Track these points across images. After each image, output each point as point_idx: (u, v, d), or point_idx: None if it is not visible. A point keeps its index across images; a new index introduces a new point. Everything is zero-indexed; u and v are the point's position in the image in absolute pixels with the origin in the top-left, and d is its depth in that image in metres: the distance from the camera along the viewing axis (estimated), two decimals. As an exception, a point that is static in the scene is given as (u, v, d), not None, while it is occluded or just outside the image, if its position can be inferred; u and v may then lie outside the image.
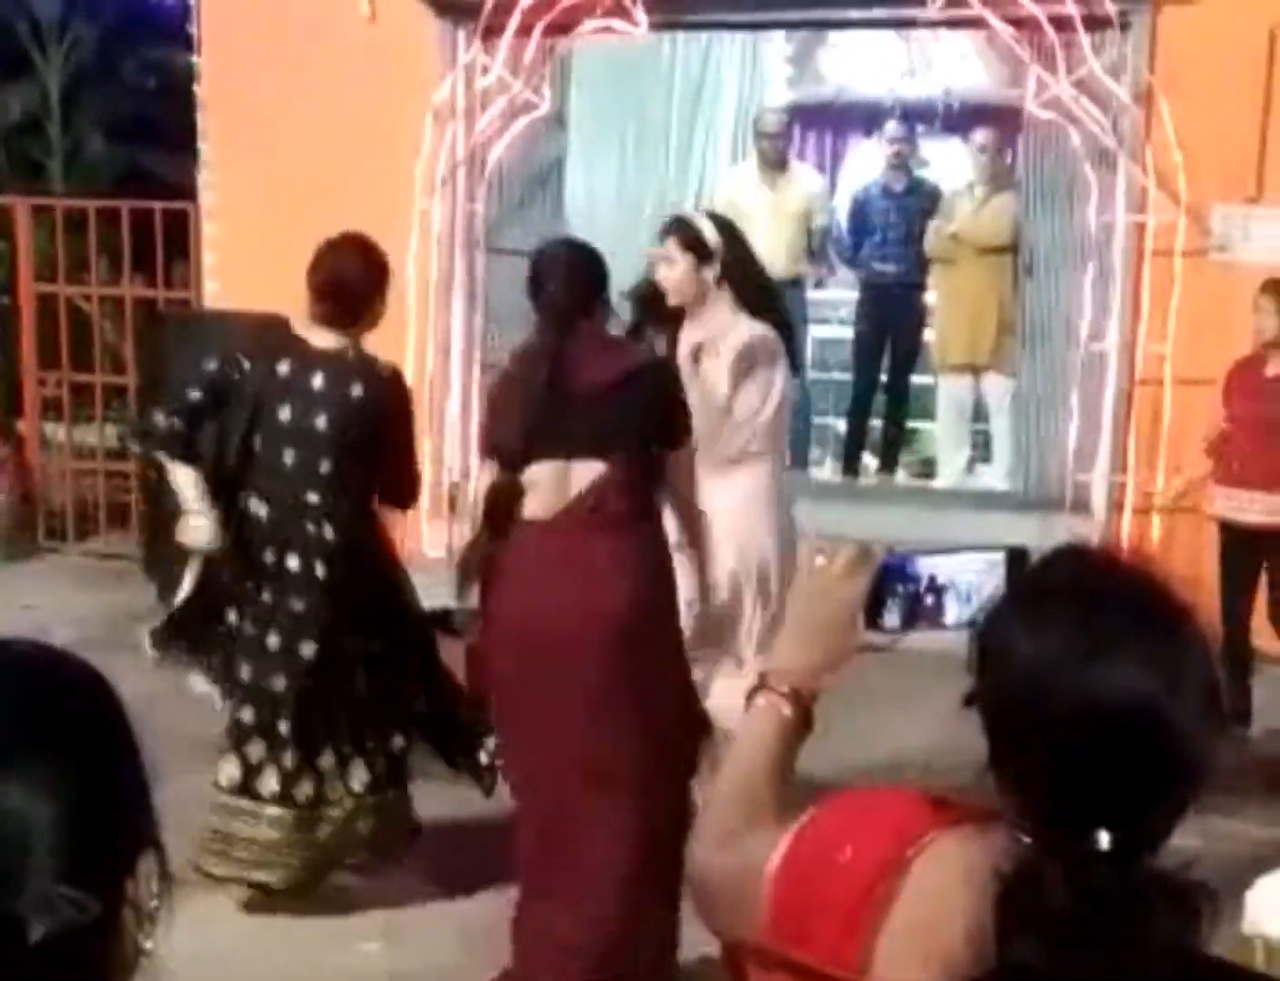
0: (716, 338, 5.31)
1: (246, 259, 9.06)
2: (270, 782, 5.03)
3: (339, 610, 5.00)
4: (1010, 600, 1.71)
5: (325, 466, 4.95)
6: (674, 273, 5.32)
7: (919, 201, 10.29)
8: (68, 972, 1.24)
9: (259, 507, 5.02)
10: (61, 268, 10.42)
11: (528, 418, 4.41)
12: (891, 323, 10.29)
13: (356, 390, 4.94)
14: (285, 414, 4.94)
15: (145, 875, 1.33)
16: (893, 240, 10.22)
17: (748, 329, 5.33)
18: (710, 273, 5.31)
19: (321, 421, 4.93)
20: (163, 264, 10.15)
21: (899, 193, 10.37)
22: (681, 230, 5.39)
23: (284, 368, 4.96)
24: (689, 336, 5.35)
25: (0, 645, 1.38)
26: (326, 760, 5.07)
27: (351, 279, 5.03)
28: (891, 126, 10.71)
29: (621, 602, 4.32)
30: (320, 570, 4.97)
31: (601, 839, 4.34)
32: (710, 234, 5.36)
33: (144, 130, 14.43)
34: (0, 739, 1.29)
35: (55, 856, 1.24)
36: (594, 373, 4.43)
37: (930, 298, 10.39)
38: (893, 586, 1.88)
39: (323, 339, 5.01)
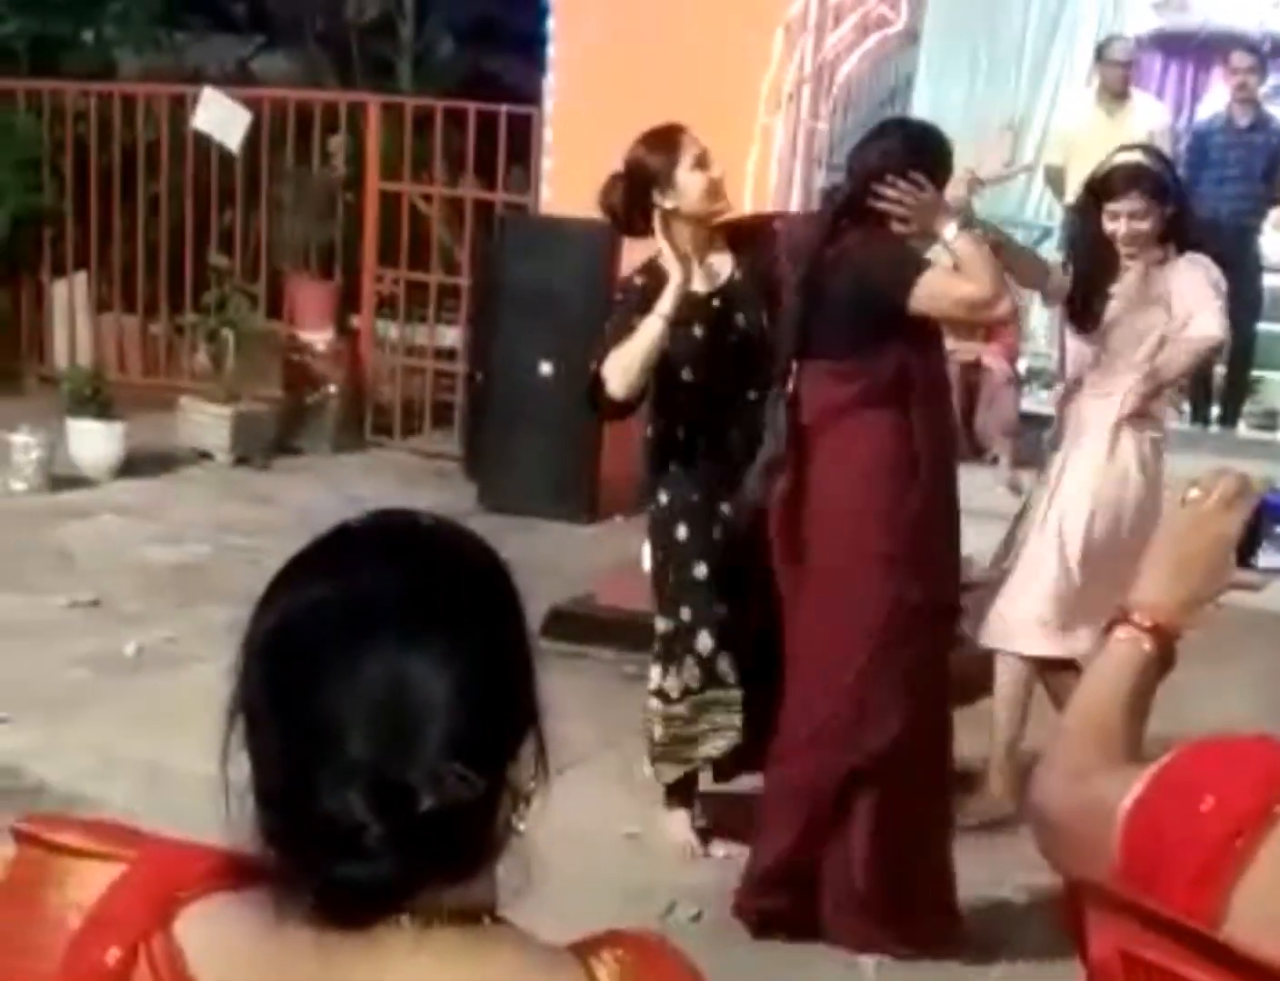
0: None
1: (584, 166, 9.01)
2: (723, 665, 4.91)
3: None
4: None
5: None
6: (1145, 225, 5.22)
7: (1264, 138, 9.79)
8: (448, 844, 1.28)
9: None
10: (406, 167, 10.59)
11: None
12: (1228, 266, 9.81)
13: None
14: None
15: (525, 758, 1.37)
16: (1232, 178, 9.73)
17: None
18: (1168, 213, 5.28)
19: None
20: (504, 167, 10.25)
21: (1243, 128, 9.85)
22: (1148, 181, 5.27)
23: None
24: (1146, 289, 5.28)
25: (408, 517, 1.42)
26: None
27: None
28: (1238, 56, 10.12)
29: None
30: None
31: None
32: (1166, 173, 5.37)
33: (492, 34, 14.58)
34: (407, 612, 1.32)
35: (449, 732, 1.28)
36: None
37: (1276, 242, 9.91)
38: (1270, 525, 1.76)
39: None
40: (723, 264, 4.93)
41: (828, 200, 4.65)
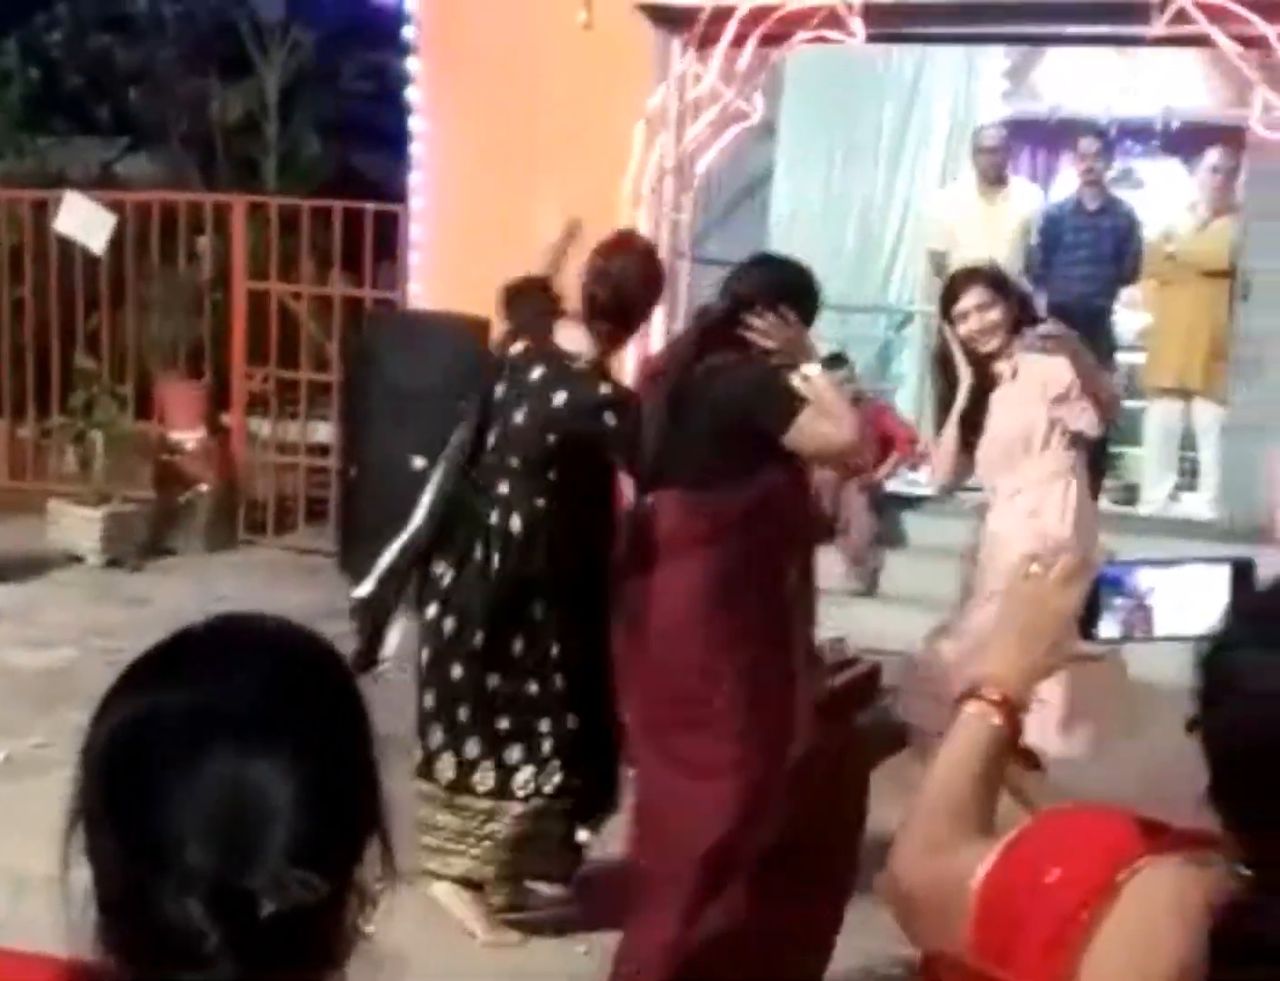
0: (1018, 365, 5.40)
1: (451, 262, 9.14)
2: (447, 770, 4.98)
3: (508, 599, 4.94)
4: (1238, 622, 1.62)
5: (515, 461, 4.93)
6: (993, 315, 5.36)
7: (1113, 221, 10.00)
8: (291, 949, 1.26)
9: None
10: (274, 266, 10.62)
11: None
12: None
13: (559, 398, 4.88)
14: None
15: (370, 859, 1.36)
16: (1082, 260, 9.92)
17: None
18: (1014, 308, 5.45)
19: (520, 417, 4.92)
20: (371, 265, 10.30)
21: (1092, 211, 10.04)
22: (985, 275, 5.48)
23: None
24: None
25: (252, 621, 1.41)
26: (512, 754, 4.98)
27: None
28: (1084, 141, 10.33)
29: None
30: (496, 560, 4.93)
31: None
32: (998, 269, 5.59)
33: (357, 132, 14.67)
34: (248, 717, 1.31)
35: (292, 836, 1.26)
36: None
37: (1126, 319, 10.16)
38: (1109, 597, 1.82)
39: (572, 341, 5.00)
40: None
41: (698, 320, 4.70)
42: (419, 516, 5.09)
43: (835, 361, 4.97)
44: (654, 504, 4.50)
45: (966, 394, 5.43)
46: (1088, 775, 5.68)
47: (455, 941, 4.98)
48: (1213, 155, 9.68)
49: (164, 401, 10.88)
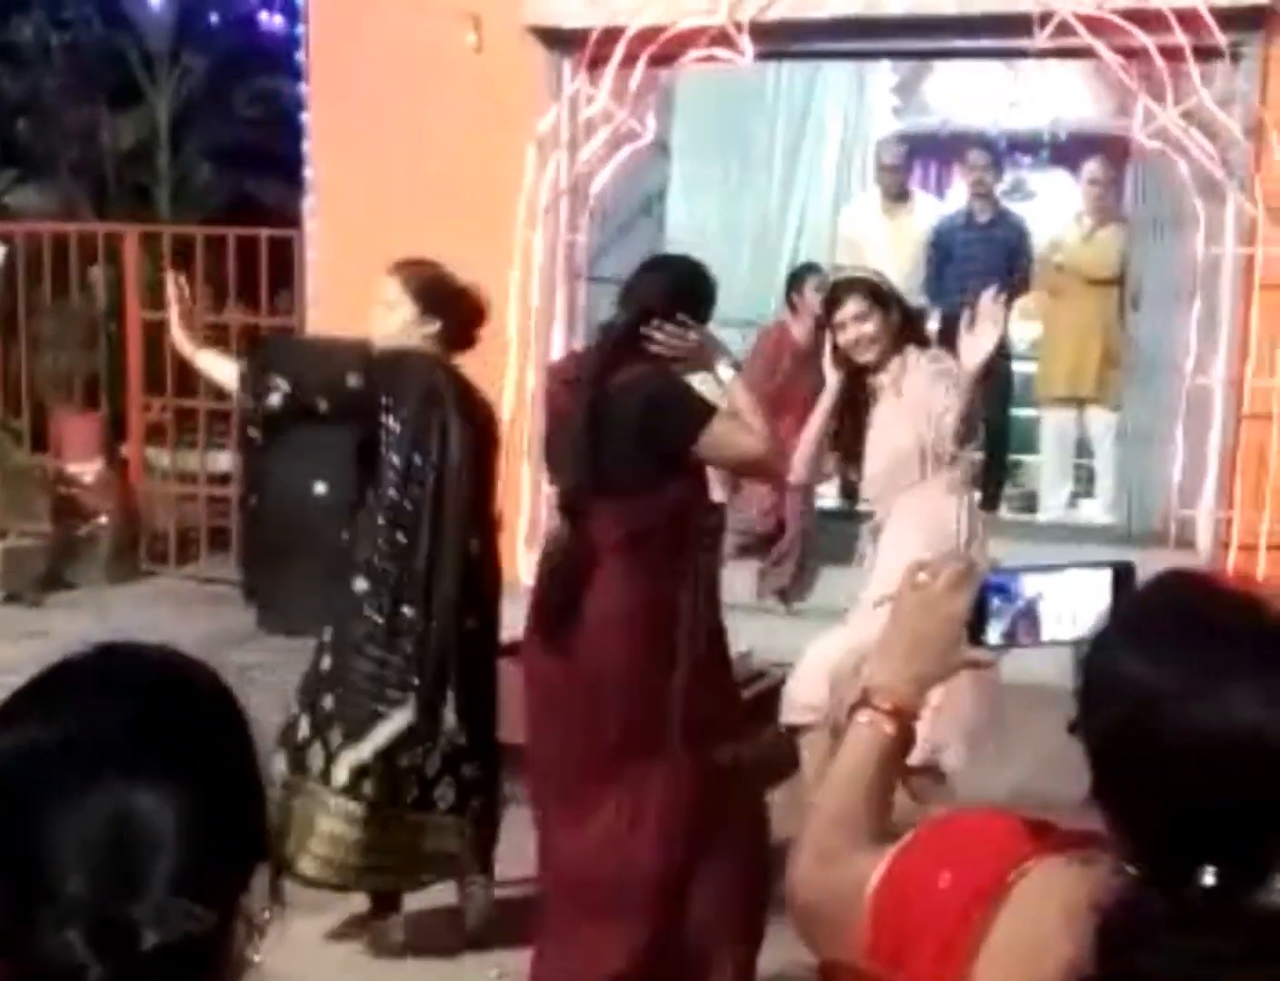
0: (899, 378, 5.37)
1: (349, 287, 9.09)
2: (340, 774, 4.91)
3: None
4: (1117, 625, 1.66)
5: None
6: (869, 327, 5.34)
7: (1003, 233, 10.12)
8: (176, 980, 1.24)
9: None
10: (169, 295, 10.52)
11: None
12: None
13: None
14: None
15: (258, 888, 1.34)
16: (974, 273, 9.95)
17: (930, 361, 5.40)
18: (896, 320, 5.39)
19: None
20: (267, 291, 10.24)
21: (983, 223, 10.16)
22: (864, 286, 5.44)
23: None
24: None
25: (132, 649, 1.39)
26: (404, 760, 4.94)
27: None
28: (974, 154, 10.42)
29: None
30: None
31: None
32: (884, 281, 5.49)
33: (251, 159, 14.60)
34: (130, 747, 1.29)
35: (176, 866, 1.24)
36: None
37: (1022, 330, 10.26)
38: (996, 603, 1.84)
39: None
40: None
41: (604, 334, 4.68)
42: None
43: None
44: (573, 519, 4.47)
45: (831, 397, 5.45)
46: (973, 779, 5.77)
47: (353, 966, 4.98)
48: (1091, 166, 9.79)
49: (60, 434, 10.78)
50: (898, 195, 10.13)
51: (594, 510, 4.40)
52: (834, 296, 5.50)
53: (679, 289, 4.57)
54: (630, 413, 4.35)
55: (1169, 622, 1.57)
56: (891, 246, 9.73)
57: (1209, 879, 1.44)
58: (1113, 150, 9.99)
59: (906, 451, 5.38)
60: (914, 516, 5.35)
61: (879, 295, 5.41)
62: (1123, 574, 1.82)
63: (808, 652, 5.53)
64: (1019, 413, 10.40)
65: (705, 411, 4.34)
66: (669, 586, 4.39)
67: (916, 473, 5.38)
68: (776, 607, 8.72)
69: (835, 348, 5.44)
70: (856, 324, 5.35)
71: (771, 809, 4.66)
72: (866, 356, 5.36)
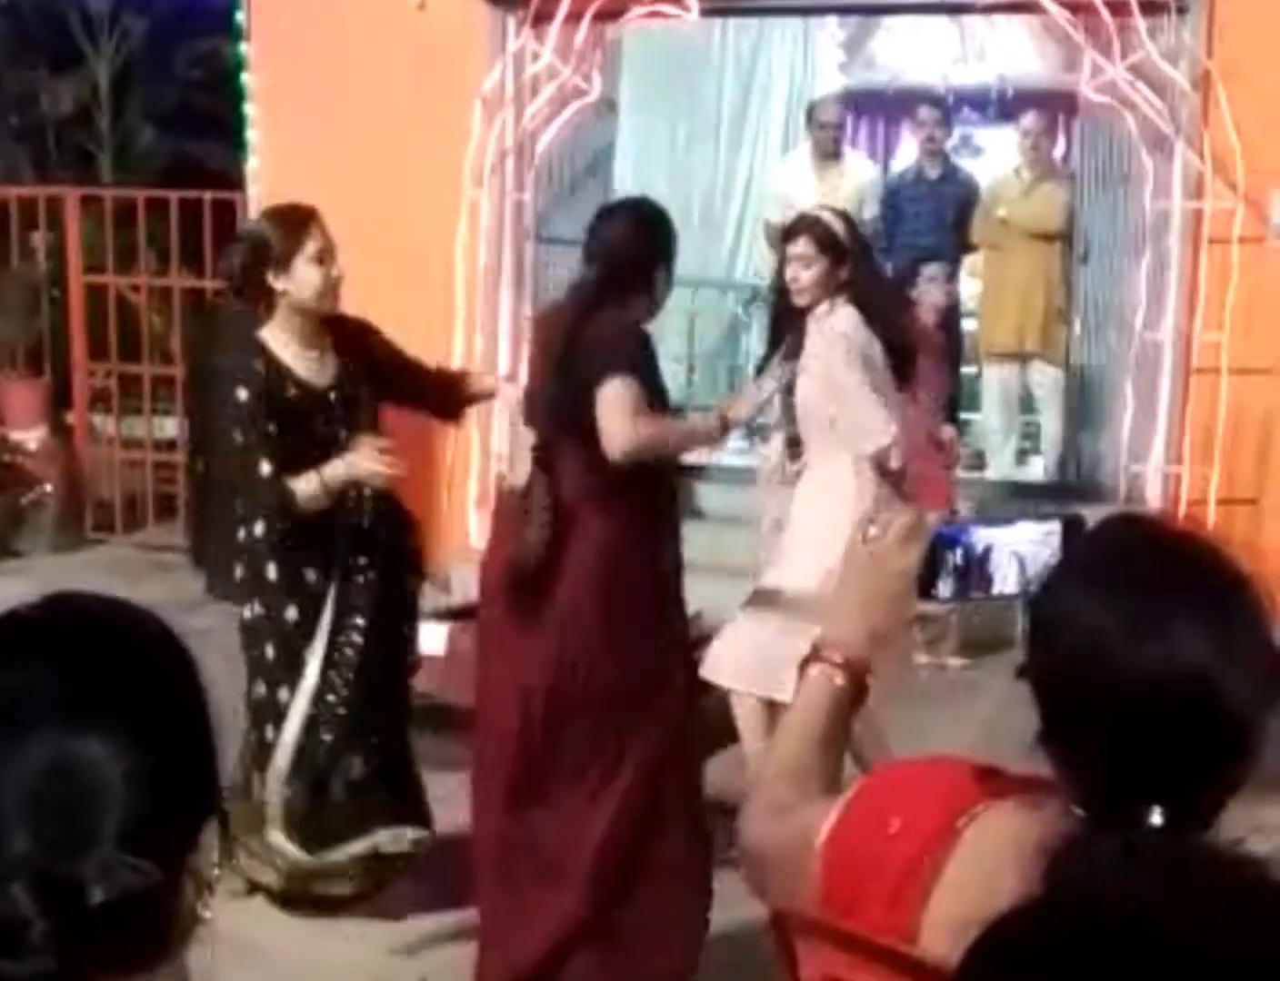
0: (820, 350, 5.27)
1: (294, 249, 9.03)
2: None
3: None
4: (1063, 570, 1.66)
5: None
6: (808, 272, 5.27)
7: (954, 188, 10.09)
8: (124, 937, 1.24)
9: None
10: (111, 259, 10.44)
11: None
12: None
13: None
14: None
15: (207, 844, 1.33)
16: (925, 229, 9.97)
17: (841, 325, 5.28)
18: (843, 274, 5.28)
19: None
20: (211, 254, 10.15)
21: (933, 180, 10.14)
22: (816, 228, 5.34)
23: None
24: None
25: (83, 601, 1.39)
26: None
27: None
28: (924, 110, 10.37)
29: None
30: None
31: None
32: (843, 233, 5.33)
33: (192, 121, 14.46)
34: (80, 695, 1.28)
35: (123, 821, 1.23)
36: None
37: (968, 287, 10.25)
38: (946, 557, 1.85)
39: None
40: (328, 358, 4.88)
41: (576, 290, 4.63)
42: None
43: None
44: (547, 470, 4.43)
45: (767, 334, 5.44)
46: (927, 729, 5.76)
47: (318, 934, 4.94)
48: (1026, 120, 9.65)
49: (3, 401, 10.66)
50: (830, 154, 10.06)
51: (566, 460, 4.39)
52: (792, 228, 5.44)
53: (643, 231, 4.58)
54: (589, 363, 4.35)
55: (1117, 564, 1.57)
56: (823, 203, 9.65)
57: (1156, 818, 1.45)
58: (1061, 105, 9.98)
59: (814, 407, 5.34)
60: (817, 477, 5.34)
61: (827, 240, 5.31)
62: (1072, 527, 1.83)
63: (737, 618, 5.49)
64: (964, 370, 10.38)
65: (623, 367, 4.32)
66: (645, 529, 4.40)
67: (825, 429, 5.34)
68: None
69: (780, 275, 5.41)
70: (797, 264, 5.31)
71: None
72: (800, 300, 5.31)
